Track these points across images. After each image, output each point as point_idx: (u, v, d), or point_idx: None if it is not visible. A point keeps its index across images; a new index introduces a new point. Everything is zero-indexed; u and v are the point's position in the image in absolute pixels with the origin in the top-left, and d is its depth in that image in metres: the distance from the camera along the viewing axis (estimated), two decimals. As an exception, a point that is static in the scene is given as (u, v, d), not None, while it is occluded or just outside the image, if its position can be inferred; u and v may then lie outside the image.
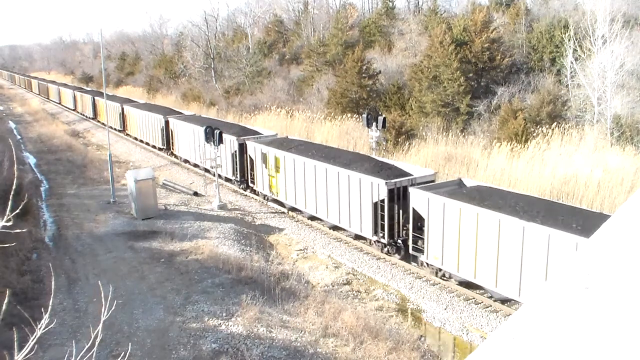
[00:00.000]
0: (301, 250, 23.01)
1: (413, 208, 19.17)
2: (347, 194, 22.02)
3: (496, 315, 16.96)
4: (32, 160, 41.68)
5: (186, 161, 37.34)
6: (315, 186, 23.76)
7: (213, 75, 63.03)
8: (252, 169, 28.84)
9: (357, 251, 22.29)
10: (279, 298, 16.67)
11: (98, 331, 4.89)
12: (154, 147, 42.84)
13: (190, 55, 67.65)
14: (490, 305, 17.48)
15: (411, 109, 37.59)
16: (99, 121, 58.02)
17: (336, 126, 38.58)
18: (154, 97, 67.81)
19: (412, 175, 21.23)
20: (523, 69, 38.30)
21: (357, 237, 22.68)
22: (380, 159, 24.42)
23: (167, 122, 39.33)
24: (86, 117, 63.58)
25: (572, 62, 33.22)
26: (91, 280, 18.19)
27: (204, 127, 29.36)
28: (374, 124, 28.45)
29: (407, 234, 20.14)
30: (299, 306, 16.41)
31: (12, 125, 62.23)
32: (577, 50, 32.33)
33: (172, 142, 38.82)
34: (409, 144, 33.32)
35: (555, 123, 29.89)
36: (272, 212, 27.66)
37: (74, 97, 69.30)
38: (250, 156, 28.62)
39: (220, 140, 28.68)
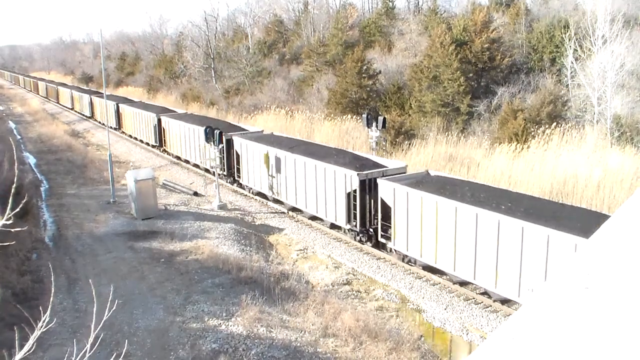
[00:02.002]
0: (301, 250, 23.00)
1: None
2: None
3: (496, 315, 16.96)
4: (32, 160, 41.68)
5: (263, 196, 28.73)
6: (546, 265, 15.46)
7: (213, 75, 63.04)
8: (386, 219, 20.82)
9: (357, 251, 22.27)
10: (279, 298, 16.67)
11: (97, 332, 4.90)
12: (206, 170, 33.91)
13: (190, 55, 67.69)
14: (490, 305, 17.47)
15: (411, 109, 37.61)
16: (124, 132, 50.17)
17: (336, 126, 38.59)
18: (154, 97, 67.83)
19: None
20: (523, 69, 38.31)
21: None
22: None
23: (229, 142, 30.68)
24: (106, 125, 56.09)
25: (572, 62, 33.23)
26: (91, 280, 18.19)
27: (206, 128, 29.24)
28: (374, 124, 28.46)
29: None
30: (299, 306, 16.41)
31: (12, 125, 62.22)
32: (577, 50, 32.35)
33: (240, 169, 30.31)
34: (409, 144, 33.33)
35: (555, 123, 29.90)
36: (272, 212, 27.65)
37: (91, 104, 59.95)
38: (383, 200, 20.79)
39: (220, 141, 28.59)
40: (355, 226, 22.15)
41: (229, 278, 18.26)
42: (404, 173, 22.49)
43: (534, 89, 34.99)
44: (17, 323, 6.66)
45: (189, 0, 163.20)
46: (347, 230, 23.16)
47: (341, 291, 18.93)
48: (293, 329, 15.00)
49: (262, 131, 32.88)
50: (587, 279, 2.12)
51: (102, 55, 37.59)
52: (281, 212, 27.35)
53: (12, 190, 5.64)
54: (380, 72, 42.23)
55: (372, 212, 21.96)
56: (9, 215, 4.74)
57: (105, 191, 29.13)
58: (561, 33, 34.90)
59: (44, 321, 4.58)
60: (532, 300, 2.05)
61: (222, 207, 27.56)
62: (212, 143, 28.36)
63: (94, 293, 6.63)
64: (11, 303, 14.68)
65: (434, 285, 19.05)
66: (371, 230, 22.11)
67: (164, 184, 31.48)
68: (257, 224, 26.24)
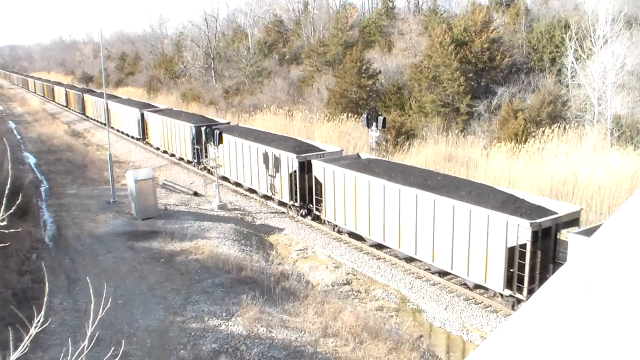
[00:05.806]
0: (301, 250, 22.99)
1: None
2: None
3: (496, 315, 16.95)
4: (32, 160, 41.67)
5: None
6: None
7: (213, 75, 63.05)
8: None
9: (357, 251, 22.27)
10: (279, 298, 16.66)
11: (92, 330, 4.89)
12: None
13: (190, 55, 67.73)
14: (490, 305, 17.47)
15: (411, 109, 37.61)
16: (211, 172, 31.77)
17: (336, 126, 38.57)
18: (155, 97, 67.79)
19: None
20: (523, 69, 38.31)
21: None
22: None
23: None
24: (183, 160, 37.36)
25: (572, 62, 33.23)
26: (91, 280, 18.17)
27: (204, 127, 29.22)
28: (374, 124, 28.45)
29: None
30: (299, 306, 16.40)
31: (12, 125, 62.21)
32: (577, 50, 32.34)
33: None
34: (409, 144, 33.32)
35: (557, 125, 29.89)
36: (272, 212, 27.63)
37: (142, 122, 43.01)
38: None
39: (220, 140, 28.50)
40: None
41: (229, 278, 18.26)
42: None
43: (534, 89, 34.99)
44: (17, 323, 6.65)
45: (189, 0, 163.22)
46: None
47: (341, 291, 18.92)
48: (293, 328, 14.99)
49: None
50: (587, 279, 2.12)
51: (102, 55, 37.57)
52: (281, 212, 27.26)
53: (6, 190, 5.61)
54: (380, 72, 42.22)
55: None
56: (3, 216, 4.73)
57: (105, 191, 29.12)
58: (561, 33, 34.92)
59: (38, 321, 4.57)
60: (532, 300, 2.05)
61: (222, 207, 27.55)
62: (211, 143, 28.34)
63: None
64: (10, 303, 14.67)
65: (434, 285, 19.04)
66: None
67: (164, 184, 31.47)
68: (257, 224, 26.23)
